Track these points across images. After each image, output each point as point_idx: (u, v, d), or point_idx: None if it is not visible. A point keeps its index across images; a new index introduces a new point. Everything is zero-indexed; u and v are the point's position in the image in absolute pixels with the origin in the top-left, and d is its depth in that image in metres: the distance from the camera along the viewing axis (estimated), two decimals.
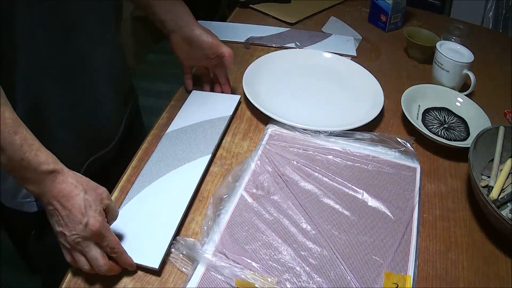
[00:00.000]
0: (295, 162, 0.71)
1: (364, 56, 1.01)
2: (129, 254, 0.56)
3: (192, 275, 0.55)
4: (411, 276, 0.56)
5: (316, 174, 0.69)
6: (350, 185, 0.68)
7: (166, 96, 0.88)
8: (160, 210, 0.62)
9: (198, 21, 1.05)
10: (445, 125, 0.81)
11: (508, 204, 0.66)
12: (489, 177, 0.69)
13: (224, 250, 0.57)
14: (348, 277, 0.56)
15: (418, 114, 0.82)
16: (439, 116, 0.83)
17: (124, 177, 0.68)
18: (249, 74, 0.87)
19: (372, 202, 0.66)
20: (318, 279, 0.55)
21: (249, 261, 0.56)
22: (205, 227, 0.60)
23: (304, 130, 0.76)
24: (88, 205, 0.51)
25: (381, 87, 0.86)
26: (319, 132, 0.75)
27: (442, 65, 0.87)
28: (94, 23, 0.64)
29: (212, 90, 0.85)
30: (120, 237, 0.59)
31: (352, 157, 0.72)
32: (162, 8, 0.75)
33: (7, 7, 0.51)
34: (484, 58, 0.98)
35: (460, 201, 0.68)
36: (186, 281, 0.55)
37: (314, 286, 0.55)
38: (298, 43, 1.02)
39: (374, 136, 0.75)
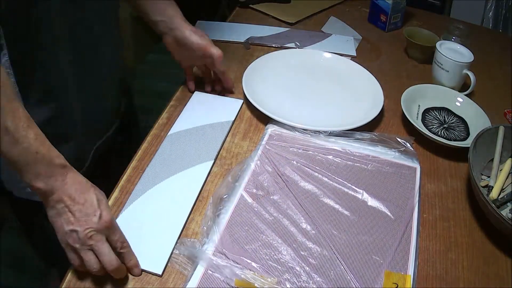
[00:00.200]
0: (295, 162, 0.71)
1: (364, 56, 1.01)
2: None
3: (192, 275, 0.55)
4: (411, 276, 0.56)
5: (316, 174, 0.69)
6: (350, 185, 0.68)
7: (166, 96, 0.88)
8: (162, 214, 0.62)
9: (198, 21, 1.06)
10: (445, 125, 0.81)
11: (508, 204, 0.66)
12: (489, 177, 0.69)
13: (224, 250, 0.57)
14: (348, 277, 0.56)
15: (418, 114, 0.82)
16: (439, 116, 0.83)
17: (124, 177, 0.68)
18: (249, 74, 0.87)
19: (372, 202, 0.66)
20: (318, 279, 0.55)
21: (249, 261, 0.56)
22: (205, 227, 0.60)
23: (304, 130, 0.76)
24: (100, 199, 0.53)
25: (381, 87, 0.86)
26: (319, 132, 0.75)
27: (442, 65, 0.87)
28: (97, 22, 0.66)
29: (213, 88, 0.85)
30: None
31: (352, 157, 0.72)
32: (154, 9, 0.76)
33: None
34: (484, 58, 0.98)
35: (460, 201, 0.68)
36: (186, 281, 0.55)
37: (314, 286, 0.55)
38: (298, 43, 1.02)
39: (374, 136, 0.75)
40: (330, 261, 0.58)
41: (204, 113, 0.79)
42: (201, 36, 0.77)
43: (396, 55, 1.03)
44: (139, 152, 0.73)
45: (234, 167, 0.69)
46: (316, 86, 0.89)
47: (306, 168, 0.70)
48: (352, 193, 0.67)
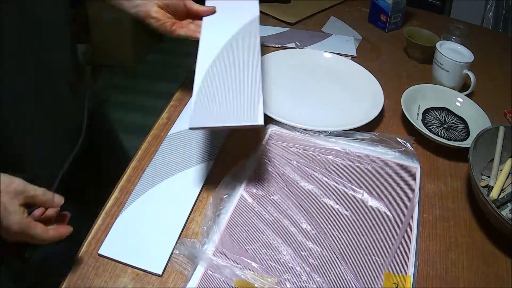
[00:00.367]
0: (295, 162, 0.71)
1: (364, 56, 1.01)
2: (131, 257, 0.57)
3: (192, 275, 0.55)
4: (411, 276, 0.56)
5: (316, 174, 0.69)
6: (350, 185, 0.68)
7: (166, 96, 0.88)
8: (162, 214, 0.62)
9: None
10: (445, 125, 0.81)
11: (508, 204, 0.66)
12: (489, 177, 0.69)
13: (224, 250, 0.57)
14: (348, 277, 0.56)
15: (418, 114, 0.82)
16: (439, 116, 0.83)
17: (124, 177, 0.68)
18: None
19: (372, 202, 0.66)
20: (318, 279, 0.55)
21: (249, 261, 0.56)
22: (205, 227, 0.60)
23: (304, 130, 0.76)
24: (3, 208, 0.47)
25: (381, 87, 0.86)
26: (319, 132, 0.75)
27: (442, 65, 0.87)
28: (47, 26, 0.60)
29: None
30: (123, 239, 0.59)
31: (352, 157, 0.72)
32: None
33: None
34: (484, 58, 0.98)
35: (460, 201, 0.68)
36: (186, 281, 0.55)
37: (314, 286, 0.55)
38: (298, 43, 1.02)
39: (374, 136, 0.75)
40: (330, 261, 0.58)
41: None
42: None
43: (396, 55, 1.03)
44: (139, 152, 0.73)
45: (234, 167, 0.69)
46: (316, 86, 0.89)
47: (306, 168, 0.70)
48: (352, 193, 0.67)
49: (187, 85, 0.88)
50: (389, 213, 0.64)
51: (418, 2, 1.27)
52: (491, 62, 1.01)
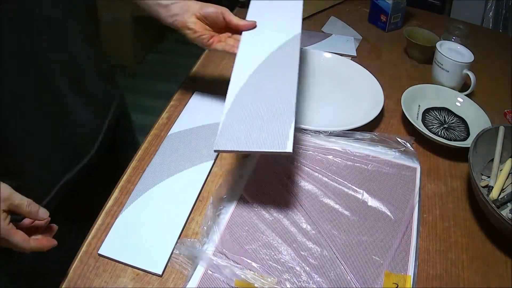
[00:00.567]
0: (295, 162, 0.71)
1: (364, 56, 1.01)
2: (131, 257, 0.57)
3: (192, 275, 0.55)
4: (411, 276, 0.56)
5: (316, 174, 0.69)
6: (350, 185, 0.68)
7: (166, 96, 0.88)
8: (162, 214, 0.62)
9: None
10: (445, 125, 0.81)
11: (508, 204, 0.66)
12: (489, 177, 0.69)
13: (224, 250, 0.57)
14: (348, 277, 0.56)
15: (418, 114, 0.82)
16: (439, 116, 0.83)
17: (124, 177, 0.68)
18: None
19: (372, 202, 0.66)
20: (318, 279, 0.55)
21: (249, 261, 0.56)
22: (205, 227, 0.60)
23: (304, 130, 0.76)
24: None
25: (381, 87, 0.86)
26: (319, 132, 0.75)
27: (442, 65, 0.87)
28: (52, 27, 0.58)
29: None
30: (123, 239, 0.59)
31: (352, 157, 0.72)
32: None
33: None
34: (484, 58, 0.98)
35: (460, 201, 0.68)
36: (186, 281, 0.55)
37: (314, 286, 0.55)
38: None
39: (374, 136, 0.75)
40: (330, 261, 0.58)
41: (204, 113, 0.79)
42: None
43: (396, 55, 1.03)
44: (139, 152, 0.73)
45: (234, 167, 0.69)
46: (316, 86, 0.89)
47: (306, 168, 0.70)
48: (352, 193, 0.67)
49: (187, 85, 0.88)
50: (389, 213, 0.64)
51: (418, 2, 1.26)
52: (491, 62, 1.01)
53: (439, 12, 1.48)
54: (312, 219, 0.62)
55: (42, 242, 0.52)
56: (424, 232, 0.63)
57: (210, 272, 0.55)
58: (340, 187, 0.67)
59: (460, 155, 0.73)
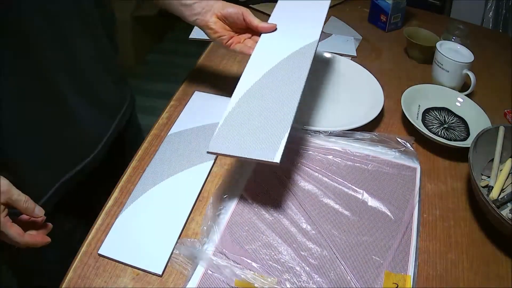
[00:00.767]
0: (295, 162, 0.71)
1: (364, 56, 1.01)
2: (131, 257, 0.57)
3: (192, 275, 0.55)
4: (411, 276, 0.56)
5: (316, 174, 0.69)
6: (350, 185, 0.68)
7: (166, 96, 0.88)
8: (163, 214, 0.62)
9: None
10: (445, 125, 0.81)
11: (508, 204, 0.66)
12: (489, 177, 0.69)
13: (224, 250, 0.57)
14: (348, 277, 0.56)
15: (418, 114, 0.82)
16: (439, 116, 0.83)
17: (124, 177, 0.68)
18: None
19: (372, 202, 0.66)
20: (318, 279, 0.55)
21: (249, 261, 0.56)
22: (205, 227, 0.60)
23: (304, 130, 0.76)
24: None
25: (381, 87, 0.86)
26: (319, 132, 0.75)
27: (442, 65, 0.87)
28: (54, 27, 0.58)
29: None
30: (123, 239, 0.59)
31: (352, 157, 0.72)
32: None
33: None
34: (484, 58, 0.98)
35: (460, 201, 0.68)
36: (186, 281, 0.55)
37: (314, 286, 0.55)
38: None
39: (374, 136, 0.75)
40: (330, 261, 0.58)
41: (204, 113, 0.79)
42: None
43: (396, 55, 1.03)
44: (139, 152, 0.73)
45: (234, 167, 0.69)
46: (316, 86, 0.89)
47: (306, 168, 0.70)
48: (352, 193, 0.67)
49: (187, 85, 0.88)
50: (389, 213, 0.64)
51: (418, 2, 1.26)
52: (491, 62, 1.01)
53: (439, 12, 1.48)
54: (312, 219, 0.62)
55: (36, 238, 0.53)
56: (424, 232, 0.63)
57: (210, 272, 0.55)
58: (340, 187, 0.67)
59: (460, 155, 0.73)
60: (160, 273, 0.55)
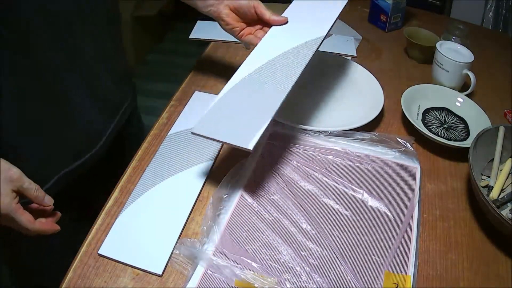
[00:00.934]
0: (295, 162, 0.71)
1: (364, 56, 1.01)
2: (131, 257, 0.57)
3: (192, 275, 0.55)
4: (411, 276, 0.56)
5: (316, 174, 0.69)
6: (350, 185, 0.68)
7: (166, 96, 0.88)
8: (163, 214, 0.62)
9: (198, 21, 1.06)
10: (445, 125, 0.81)
11: (508, 204, 0.66)
12: (489, 177, 0.69)
13: (224, 250, 0.57)
14: (348, 277, 0.56)
15: (418, 114, 0.82)
16: (439, 116, 0.83)
17: (124, 177, 0.68)
18: None
19: (372, 202, 0.66)
20: (318, 279, 0.55)
21: (249, 261, 0.56)
22: (205, 227, 0.60)
23: (304, 130, 0.76)
24: None
25: (381, 87, 0.86)
26: (319, 132, 0.75)
27: (442, 65, 0.87)
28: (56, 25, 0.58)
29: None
30: (123, 239, 0.59)
31: (352, 157, 0.72)
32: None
33: None
34: (484, 58, 0.98)
35: (460, 201, 0.68)
36: (186, 281, 0.55)
37: (314, 286, 0.55)
38: None
39: (374, 136, 0.75)
40: (330, 261, 0.58)
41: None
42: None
43: (396, 55, 1.03)
44: (139, 152, 0.73)
45: (234, 167, 0.69)
46: (316, 86, 0.89)
47: (306, 168, 0.70)
48: (352, 193, 0.67)
49: (187, 85, 0.88)
50: (389, 213, 0.64)
51: (418, 2, 1.26)
52: (491, 62, 1.01)
53: (439, 12, 1.48)
54: (312, 219, 0.62)
55: (46, 225, 0.55)
56: (424, 232, 0.63)
57: (210, 272, 0.55)
58: (340, 187, 0.67)
59: (460, 155, 0.73)
60: (160, 273, 0.55)
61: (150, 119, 0.83)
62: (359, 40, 1.07)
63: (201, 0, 0.73)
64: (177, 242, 0.58)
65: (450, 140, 0.76)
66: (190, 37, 1.01)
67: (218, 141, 0.58)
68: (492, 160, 0.71)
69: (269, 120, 0.59)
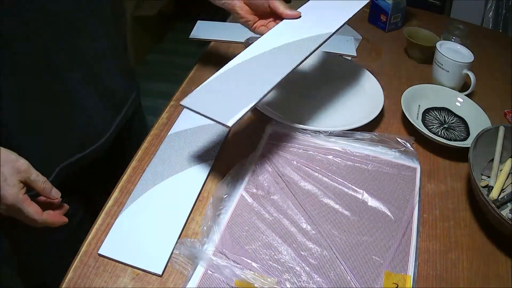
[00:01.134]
0: (295, 162, 0.71)
1: (364, 56, 1.01)
2: (131, 257, 0.57)
3: (192, 275, 0.55)
4: (411, 276, 0.56)
5: (316, 174, 0.69)
6: (350, 185, 0.68)
7: (166, 96, 0.88)
8: (163, 214, 0.62)
9: (198, 21, 1.06)
10: (445, 125, 0.81)
11: (508, 204, 0.66)
12: (489, 177, 0.69)
13: (224, 250, 0.57)
14: (348, 277, 0.56)
15: (418, 114, 0.82)
16: (439, 116, 0.83)
17: (124, 177, 0.68)
18: None
19: (372, 202, 0.66)
20: (318, 279, 0.55)
21: (249, 261, 0.56)
22: (205, 227, 0.60)
23: (304, 130, 0.76)
24: (3, 179, 0.50)
25: (381, 87, 0.86)
26: (319, 132, 0.75)
27: (442, 65, 0.87)
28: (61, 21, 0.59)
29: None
30: (123, 239, 0.59)
31: (352, 157, 0.72)
32: None
33: None
34: (484, 58, 0.98)
35: (460, 201, 0.68)
36: (186, 281, 0.55)
37: (314, 286, 0.55)
38: None
39: (374, 136, 0.75)
40: (330, 261, 0.58)
41: None
42: None
43: (396, 55, 1.03)
44: (139, 152, 0.73)
45: (234, 167, 0.69)
46: (316, 86, 0.89)
47: (306, 168, 0.70)
48: (352, 193, 0.67)
49: (187, 85, 0.88)
50: (389, 213, 0.64)
51: (418, 2, 1.26)
52: (491, 62, 1.01)
53: (439, 12, 1.48)
54: (312, 219, 0.62)
55: (54, 217, 0.55)
56: (424, 232, 0.63)
57: (210, 272, 0.55)
58: (340, 187, 0.67)
59: (460, 155, 0.73)
60: (160, 273, 0.55)
61: (150, 119, 0.83)
62: (359, 40, 1.07)
63: None
64: (177, 242, 0.58)
65: (450, 140, 0.76)
66: (190, 37, 1.01)
67: (201, 114, 0.59)
68: (492, 160, 0.71)
69: (255, 102, 0.59)
